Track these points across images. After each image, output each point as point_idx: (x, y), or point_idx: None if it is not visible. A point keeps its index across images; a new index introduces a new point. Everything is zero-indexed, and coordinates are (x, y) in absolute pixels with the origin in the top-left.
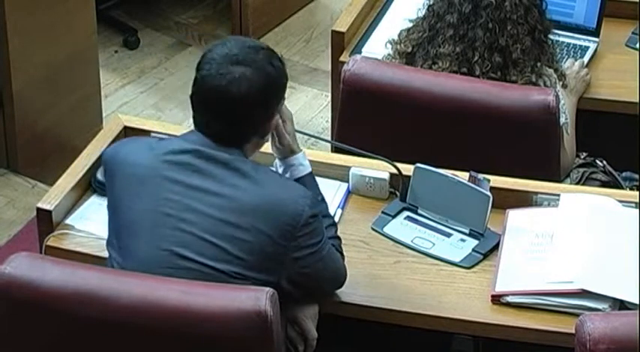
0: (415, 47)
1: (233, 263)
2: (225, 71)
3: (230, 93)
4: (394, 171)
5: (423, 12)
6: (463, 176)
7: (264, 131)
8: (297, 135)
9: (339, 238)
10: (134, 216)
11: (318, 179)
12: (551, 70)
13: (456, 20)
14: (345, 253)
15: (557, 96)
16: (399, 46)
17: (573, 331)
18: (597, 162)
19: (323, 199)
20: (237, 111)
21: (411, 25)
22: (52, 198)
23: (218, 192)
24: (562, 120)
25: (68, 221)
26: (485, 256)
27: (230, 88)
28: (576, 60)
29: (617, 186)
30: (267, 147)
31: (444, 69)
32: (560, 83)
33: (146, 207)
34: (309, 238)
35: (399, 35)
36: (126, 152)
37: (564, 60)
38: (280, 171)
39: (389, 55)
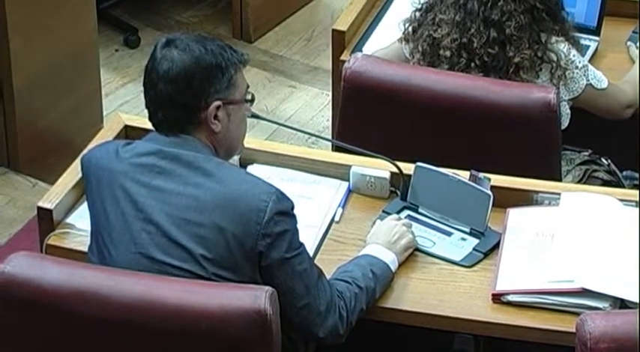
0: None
1: (200, 262)
2: (159, 55)
3: (155, 72)
4: (395, 170)
5: None
6: (464, 175)
7: (203, 117)
8: (298, 134)
9: (353, 296)
10: (107, 220)
11: (318, 178)
12: (559, 45)
13: None
14: (345, 252)
15: (557, 93)
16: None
17: (574, 330)
18: (602, 160)
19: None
20: (163, 91)
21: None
22: (52, 196)
23: (181, 192)
24: (589, 79)
25: (69, 220)
26: (486, 255)
27: (157, 68)
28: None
29: (618, 185)
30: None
31: (444, 35)
32: (574, 50)
33: (117, 211)
34: (278, 239)
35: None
36: (98, 157)
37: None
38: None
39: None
